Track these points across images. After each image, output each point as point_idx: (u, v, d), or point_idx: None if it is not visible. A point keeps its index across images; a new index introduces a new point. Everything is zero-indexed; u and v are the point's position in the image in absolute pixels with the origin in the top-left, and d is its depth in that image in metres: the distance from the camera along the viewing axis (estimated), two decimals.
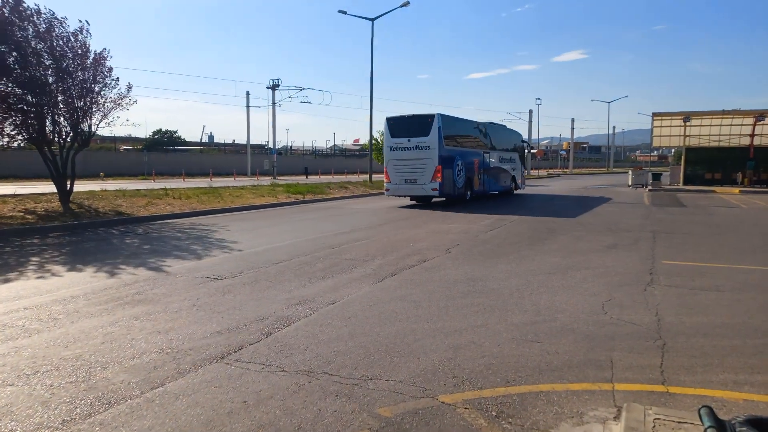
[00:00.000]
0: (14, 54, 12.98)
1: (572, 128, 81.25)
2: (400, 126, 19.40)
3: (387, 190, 19.83)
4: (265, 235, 11.68)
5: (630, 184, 32.74)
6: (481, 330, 5.08)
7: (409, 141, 18.96)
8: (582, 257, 8.95)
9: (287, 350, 4.56)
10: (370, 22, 31.76)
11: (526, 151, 32.41)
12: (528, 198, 23.76)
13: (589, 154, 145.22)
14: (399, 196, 20.20)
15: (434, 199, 20.54)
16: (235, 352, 4.52)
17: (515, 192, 26.47)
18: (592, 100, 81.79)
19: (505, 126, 26.86)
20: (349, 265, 8.13)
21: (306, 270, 7.80)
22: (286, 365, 4.23)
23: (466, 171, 20.27)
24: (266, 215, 15.91)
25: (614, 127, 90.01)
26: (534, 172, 63.40)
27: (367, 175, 34.63)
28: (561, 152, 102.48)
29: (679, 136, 33.34)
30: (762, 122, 29.72)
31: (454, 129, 20.10)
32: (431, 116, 18.78)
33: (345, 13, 32.38)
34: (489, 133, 23.26)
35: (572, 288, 6.77)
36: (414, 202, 20.59)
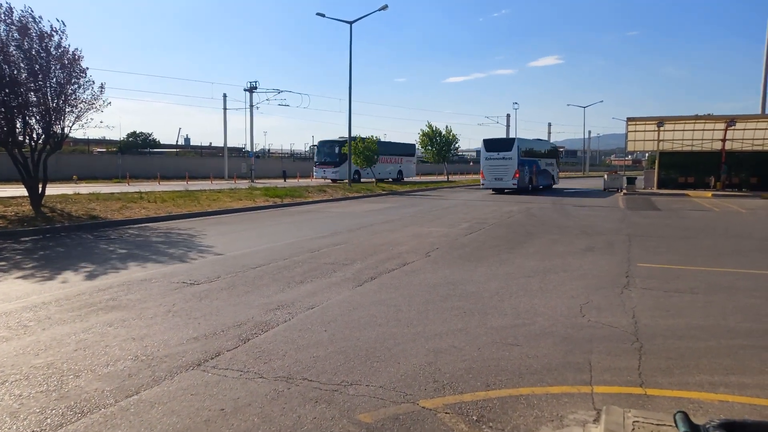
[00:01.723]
0: None
1: (549, 132, 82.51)
2: (492, 144, 31.28)
3: (482, 184, 31.53)
4: (243, 239, 11.55)
5: (605, 187, 33.24)
6: (461, 334, 5.08)
7: (498, 154, 30.38)
8: (559, 260, 9.04)
9: (265, 356, 4.49)
10: (349, 25, 31.72)
11: (560, 157, 44.05)
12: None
13: (565, 159, 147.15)
14: (491, 188, 31.57)
15: (506, 190, 30.98)
16: (212, 358, 4.45)
17: (553, 186, 37.16)
18: (568, 105, 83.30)
19: (548, 141, 43.11)
20: (329, 270, 8.08)
21: (285, 274, 7.72)
22: (264, 371, 4.17)
23: (530, 172, 31.45)
24: (244, 219, 15.75)
25: (590, 132, 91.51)
26: None
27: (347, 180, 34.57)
28: None
29: (653, 140, 33.96)
30: (733, 127, 30.46)
31: (523, 146, 31.68)
32: (513, 139, 31.88)
33: (323, 15, 32.26)
34: (540, 146, 36.33)
35: (550, 291, 6.83)
36: (491, 191, 31.32)
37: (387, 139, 48.09)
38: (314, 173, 40.17)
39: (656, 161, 36.46)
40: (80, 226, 12.88)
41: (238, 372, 4.16)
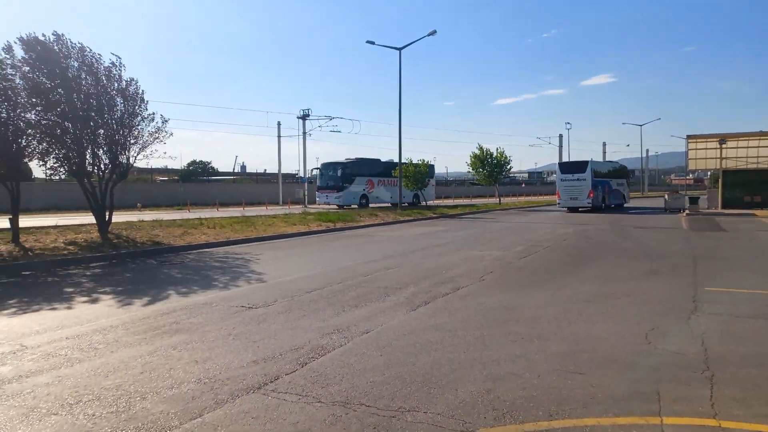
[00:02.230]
0: (59, 90, 13.55)
1: (604, 152, 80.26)
2: (567, 167, 34.26)
3: (558, 203, 33.66)
4: (298, 264, 11.76)
5: (666, 208, 31.99)
6: (520, 360, 4.96)
7: (573, 176, 32.84)
8: (620, 284, 8.73)
9: (323, 380, 4.53)
10: (398, 51, 32.22)
11: (630, 177, 45.83)
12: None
13: None
14: (566, 207, 33.28)
15: (580, 209, 33.04)
16: (272, 382, 4.52)
17: (624, 205, 38.59)
18: (624, 123, 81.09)
19: (618, 162, 41.99)
20: (382, 294, 8.10)
21: (339, 298, 7.79)
22: (322, 396, 4.20)
23: (603, 192, 33.84)
24: (298, 243, 16.04)
25: (647, 150, 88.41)
26: None
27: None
28: None
29: (716, 158, 32.54)
30: None
31: (596, 167, 34.01)
32: (586, 162, 33.54)
33: (373, 43, 32.91)
34: (611, 167, 38.36)
35: (612, 316, 6.59)
36: (567, 211, 32.87)
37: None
38: (317, 198, 38.38)
39: (719, 180, 34.86)
40: (144, 252, 13.47)
41: (296, 396, 4.21)
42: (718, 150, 31.17)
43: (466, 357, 5.08)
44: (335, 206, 35.80)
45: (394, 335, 5.86)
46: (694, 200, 30.55)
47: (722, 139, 29.65)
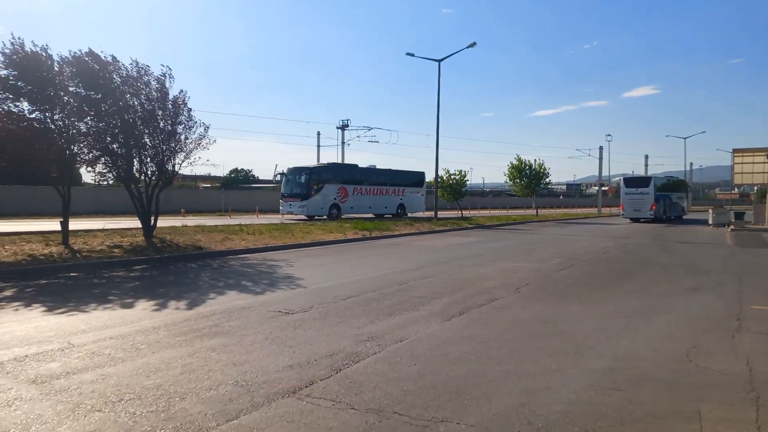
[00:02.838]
0: (108, 101, 14.12)
1: (646, 165, 78.27)
2: (631, 182, 37.76)
3: (622, 215, 37.13)
4: (334, 271, 11.87)
5: (711, 223, 30.93)
6: (556, 375, 4.90)
7: (636, 190, 35.89)
8: (661, 300, 8.50)
9: (357, 387, 4.57)
10: (437, 63, 32.29)
11: (688, 191, 49.19)
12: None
13: None
14: (630, 218, 36.70)
15: (642, 220, 36.16)
16: (307, 387, 4.59)
17: (683, 217, 41.66)
18: (667, 136, 79.08)
19: (678, 177, 45.80)
20: (417, 303, 8.10)
21: (374, 306, 7.84)
22: (355, 403, 4.24)
23: (664, 205, 36.42)
24: (334, 251, 16.20)
25: (691, 164, 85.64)
26: (605, 210, 61.23)
27: (433, 212, 34.62)
28: None
29: (763, 173, 31.33)
30: None
31: (658, 182, 36.52)
32: (650, 177, 37.49)
33: (413, 55, 33.08)
34: (670, 182, 40.50)
35: (652, 333, 6.43)
36: (630, 221, 36.46)
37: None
38: (280, 207, 32.88)
39: (767, 195, 33.53)
40: (187, 256, 13.84)
41: (330, 402, 4.26)
42: (765, 164, 30.00)
43: (500, 369, 5.05)
44: (304, 217, 31.35)
45: (428, 345, 5.87)
46: (739, 215, 29.45)
47: None
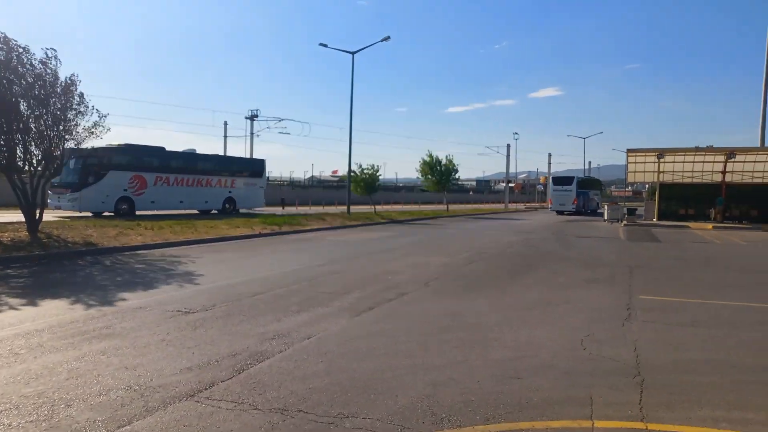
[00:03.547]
0: None
1: (549, 163, 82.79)
2: (558, 180, 45.07)
3: (549, 208, 44.64)
4: (240, 267, 11.48)
5: (606, 218, 33.27)
6: (461, 366, 4.99)
7: (562, 187, 43.35)
8: (560, 292, 8.97)
9: (260, 387, 4.40)
10: (351, 55, 32.22)
11: (602, 189, 55.03)
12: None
13: None
14: (556, 210, 43.39)
15: (565, 213, 42.44)
16: (206, 389, 4.35)
17: (597, 211, 46.50)
18: (569, 136, 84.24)
19: (595, 177, 53.87)
20: (326, 299, 8.00)
21: (281, 303, 7.64)
22: (259, 403, 4.08)
23: (583, 200, 42.68)
24: (241, 247, 15.69)
25: (590, 162, 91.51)
26: (512, 206, 64.17)
27: (345, 207, 34.57)
28: (538, 186, 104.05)
29: (654, 172, 34.13)
30: (733, 160, 30.65)
31: (580, 181, 44.14)
32: (573, 177, 44.69)
33: (326, 46, 32.77)
34: (590, 181, 48.25)
35: (552, 323, 6.75)
36: (556, 214, 42.96)
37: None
38: (48, 201, 22.27)
39: (656, 193, 36.63)
40: (76, 253, 12.82)
41: (232, 403, 4.07)
42: (656, 164, 32.69)
43: (408, 363, 5.07)
44: (75, 211, 24.06)
45: (336, 341, 5.79)
46: (632, 211, 31.92)
47: (660, 153, 31.12)
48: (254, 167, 33.98)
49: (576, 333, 6.24)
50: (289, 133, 51.04)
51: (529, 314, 7.22)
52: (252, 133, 46.16)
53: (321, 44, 32.59)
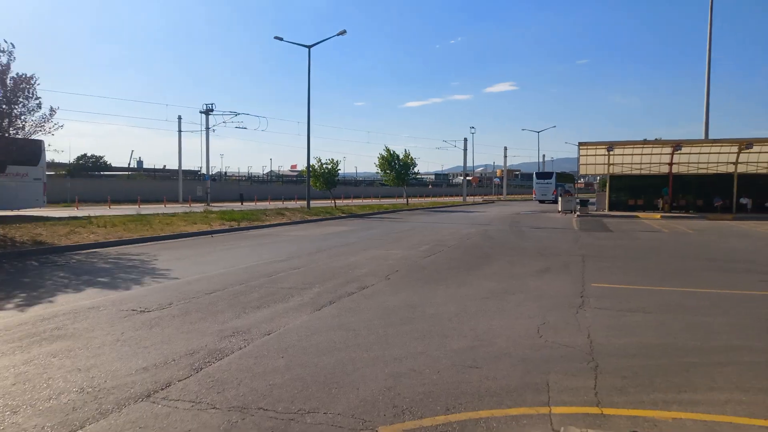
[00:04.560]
0: None
1: (505, 156, 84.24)
2: (541, 175, 56.16)
3: (534, 198, 55.11)
4: (198, 264, 11.24)
5: (560, 209, 34.12)
6: (422, 357, 5.04)
7: (544, 180, 53.54)
8: (516, 281, 9.15)
9: (219, 385, 4.33)
10: (307, 49, 31.88)
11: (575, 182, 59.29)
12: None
13: (521, 182, 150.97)
14: (539, 200, 52.42)
15: (546, 201, 50.29)
16: (162, 389, 4.26)
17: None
18: (523, 130, 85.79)
19: (569, 173, 60.30)
20: (286, 294, 7.93)
21: (240, 300, 7.53)
22: (217, 402, 4.02)
23: (560, 192, 41.49)
24: (199, 243, 15.37)
25: (544, 156, 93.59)
26: (469, 199, 65.01)
27: (305, 202, 34.28)
28: (495, 179, 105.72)
29: (604, 164, 35.18)
30: (679, 151, 31.90)
31: (558, 175, 54.13)
32: (552, 172, 56.22)
33: (281, 39, 32.29)
34: (566, 175, 57.26)
35: (508, 312, 6.89)
36: (539, 202, 51.92)
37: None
38: None
39: (607, 184, 37.81)
40: (24, 252, 12.29)
41: (189, 403, 3.99)
42: (607, 156, 33.68)
43: (368, 356, 5.08)
44: None
45: (296, 336, 5.75)
46: (584, 203, 32.83)
47: (610, 146, 32.07)
48: (24, 152, 19.74)
49: (532, 321, 6.39)
50: (245, 128, 49.90)
51: (486, 304, 7.35)
52: (207, 128, 45.03)
53: (276, 37, 32.10)
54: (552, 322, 6.38)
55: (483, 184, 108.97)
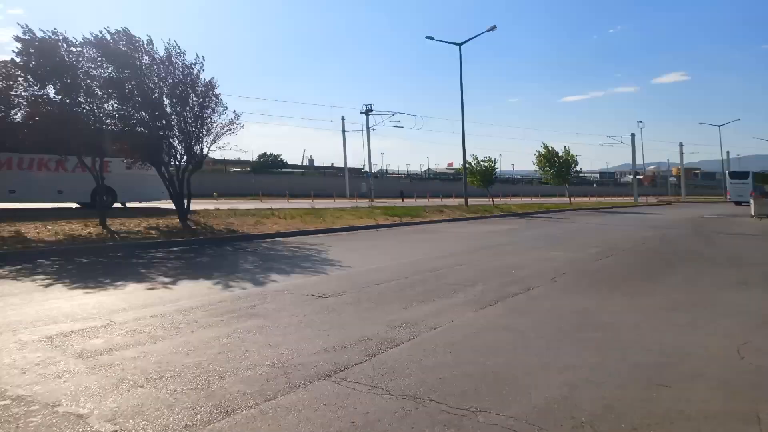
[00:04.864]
0: (132, 82, 14.19)
1: (681, 153, 75.58)
2: (735, 174, 54.23)
3: (728, 198, 52.55)
4: (366, 256, 11.84)
5: (753, 214, 29.78)
6: (599, 368, 4.72)
7: (739, 180, 51.29)
8: (706, 294, 8.17)
9: (392, 373, 4.50)
10: (458, 47, 31.76)
11: None
12: None
13: (702, 181, 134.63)
14: (734, 201, 49.71)
15: (743, 203, 44.87)
16: (342, 371, 4.54)
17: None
18: (701, 124, 77.01)
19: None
20: (450, 290, 7.99)
21: (407, 293, 7.76)
22: (391, 388, 4.17)
23: (758, 192, 37.83)
24: (365, 236, 16.18)
25: (728, 152, 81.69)
26: (641, 199, 59.74)
27: (463, 199, 34.25)
28: (671, 179, 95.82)
29: None
30: None
31: (756, 175, 51.80)
32: (749, 172, 53.47)
33: (433, 38, 32.54)
34: (762, 175, 54.22)
35: (699, 328, 6.17)
36: (735, 204, 48.31)
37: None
38: None
39: None
40: (221, 239, 14.01)
41: (366, 386, 4.21)
42: None
43: (538, 361, 4.90)
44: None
45: (462, 333, 5.76)
46: None
47: None
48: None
49: (730, 340, 5.64)
50: (402, 127, 51.41)
51: (671, 316, 6.66)
52: (368, 127, 47.25)
53: (428, 37, 32.46)
54: (756, 342, 5.56)
55: (656, 184, 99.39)
